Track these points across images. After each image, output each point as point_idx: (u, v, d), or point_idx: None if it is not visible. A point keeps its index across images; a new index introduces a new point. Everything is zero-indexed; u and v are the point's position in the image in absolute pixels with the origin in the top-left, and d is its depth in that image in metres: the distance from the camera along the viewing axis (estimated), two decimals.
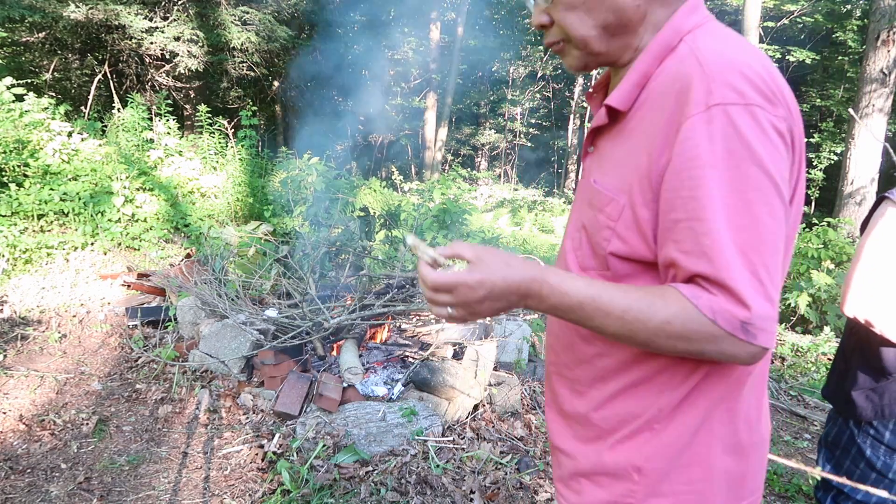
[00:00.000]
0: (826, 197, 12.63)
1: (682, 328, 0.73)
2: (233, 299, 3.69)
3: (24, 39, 8.69)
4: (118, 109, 7.59)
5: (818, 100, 15.24)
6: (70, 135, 5.49)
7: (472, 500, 2.44)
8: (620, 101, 0.85)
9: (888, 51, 8.04)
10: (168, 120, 6.93)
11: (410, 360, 3.45)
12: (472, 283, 0.78)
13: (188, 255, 5.10)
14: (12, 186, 4.71)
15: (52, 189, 4.92)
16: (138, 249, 5.08)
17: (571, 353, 0.94)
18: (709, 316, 0.72)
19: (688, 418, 0.85)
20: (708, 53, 0.78)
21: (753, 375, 0.87)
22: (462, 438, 2.91)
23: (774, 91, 0.75)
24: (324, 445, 2.62)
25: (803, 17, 14.19)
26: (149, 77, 9.29)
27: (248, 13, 8.73)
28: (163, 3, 8.50)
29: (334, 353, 3.45)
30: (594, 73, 17.79)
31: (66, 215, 4.90)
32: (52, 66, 8.81)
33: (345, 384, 3.01)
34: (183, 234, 5.59)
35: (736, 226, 0.72)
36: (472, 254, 0.80)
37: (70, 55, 9.16)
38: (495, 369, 3.56)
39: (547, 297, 0.79)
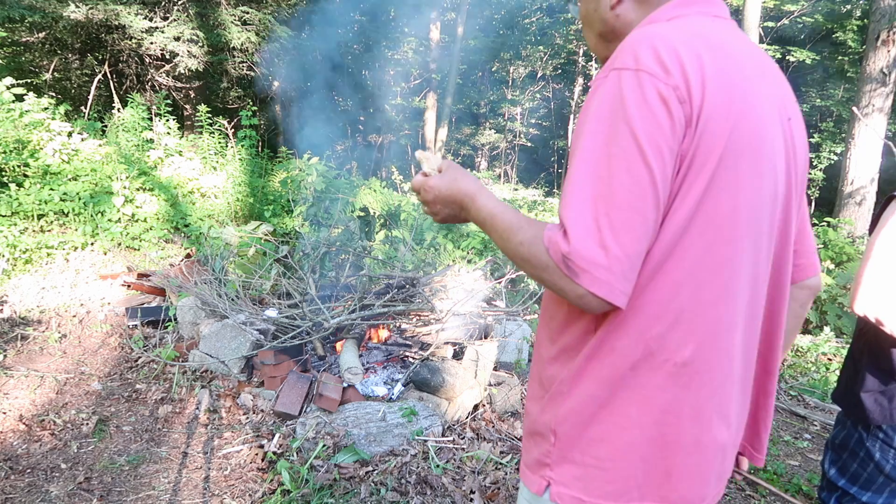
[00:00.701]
0: (826, 197, 12.62)
1: (528, 251, 0.83)
2: (233, 299, 3.69)
3: (24, 39, 8.68)
4: (118, 109, 7.59)
5: (818, 100, 15.23)
6: (70, 135, 5.49)
7: (472, 500, 2.44)
8: (594, 81, 0.94)
9: (888, 51, 8.04)
10: (168, 120, 6.93)
11: (410, 360, 3.45)
12: (426, 186, 1.02)
13: (188, 255, 5.09)
14: (12, 186, 4.71)
15: (52, 189, 4.92)
16: (138, 249, 5.08)
17: (543, 313, 1.03)
18: (545, 244, 0.81)
19: (586, 390, 0.88)
20: (640, 29, 0.86)
21: (679, 367, 0.84)
22: (462, 438, 2.91)
23: (674, 63, 0.78)
24: (324, 445, 2.62)
25: (803, 17, 14.18)
26: (149, 77, 9.29)
27: (247, 13, 8.73)
28: (163, 3, 8.50)
29: (335, 353, 3.45)
30: (594, 73, 17.79)
31: (66, 215, 4.90)
32: (52, 66, 8.81)
33: (345, 384, 3.01)
34: (183, 234, 5.59)
35: (592, 175, 0.78)
36: (444, 167, 1.03)
37: (70, 55, 9.15)
38: (495, 369, 3.56)
39: (472, 212, 0.97)
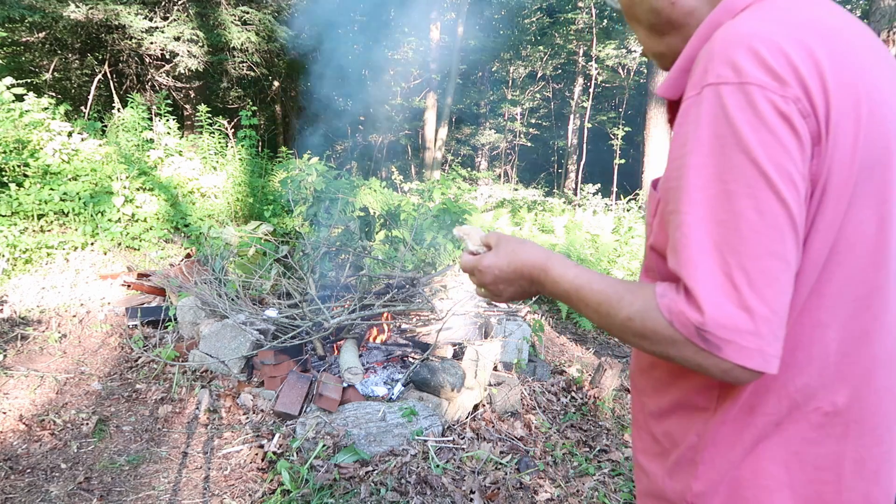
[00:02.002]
0: None
1: (641, 326, 0.70)
2: (233, 299, 3.69)
3: (24, 39, 8.69)
4: (118, 109, 7.59)
5: None
6: (70, 135, 5.49)
7: (471, 500, 2.44)
8: (666, 89, 0.80)
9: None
10: (168, 120, 6.93)
11: (410, 360, 3.45)
12: (482, 267, 0.91)
13: (188, 255, 5.10)
14: (12, 186, 4.71)
15: (52, 189, 4.92)
16: (138, 249, 5.08)
17: (636, 360, 0.91)
18: (665, 316, 0.66)
19: (725, 457, 0.76)
20: (727, 28, 0.70)
21: (829, 416, 0.73)
22: (462, 438, 2.91)
23: (787, 67, 0.64)
24: (324, 445, 2.62)
25: None
26: (149, 77, 9.29)
27: (248, 13, 8.73)
28: (163, 3, 8.50)
29: (334, 353, 3.45)
30: (594, 73, 17.79)
31: (66, 215, 4.90)
32: (52, 66, 8.82)
33: (345, 384, 3.01)
34: (183, 234, 5.59)
35: (710, 220, 0.65)
36: (493, 241, 0.92)
37: (70, 55, 9.16)
38: (495, 369, 3.56)
39: (548, 285, 0.84)
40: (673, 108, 0.85)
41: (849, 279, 0.70)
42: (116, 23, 7.91)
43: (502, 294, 0.91)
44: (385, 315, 3.73)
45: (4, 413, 2.82)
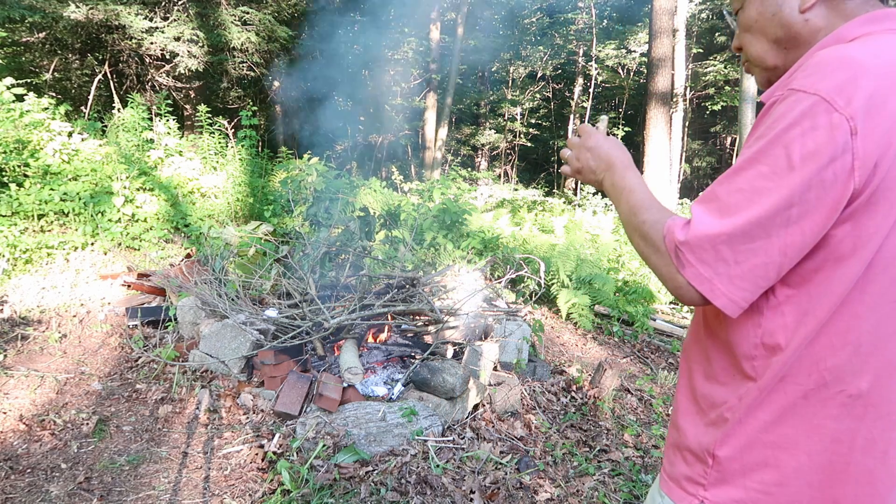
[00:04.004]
0: None
1: (648, 230, 0.90)
2: (233, 299, 3.69)
3: (24, 39, 8.69)
4: (118, 109, 7.59)
5: None
6: (70, 135, 5.49)
7: (472, 500, 2.44)
8: (767, 96, 0.90)
9: None
10: (168, 120, 6.93)
11: (410, 360, 3.45)
12: (592, 132, 1.11)
13: (188, 255, 5.10)
14: (12, 186, 4.71)
15: (52, 189, 4.92)
16: (138, 249, 5.08)
17: (692, 331, 1.05)
18: (664, 231, 0.87)
19: (758, 418, 0.88)
20: (830, 51, 0.82)
21: (853, 398, 0.84)
22: (462, 438, 2.91)
23: (857, 91, 0.74)
24: (324, 445, 2.62)
25: None
26: (149, 77, 9.29)
27: (248, 13, 8.73)
28: (163, 3, 8.50)
29: (334, 353, 3.45)
30: (594, 73, 17.78)
31: (67, 215, 4.90)
32: (52, 66, 8.81)
33: (345, 384, 3.01)
34: (183, 234, 5.59)
35: (734, 187, 0.81)
36: (599, 134, 1.12)
37: (70, 55, 9.16)
38: (495, 369, 3.56)
39: (618, 177, 1.03)
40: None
41: (890, 283, 0.81)
42: (116, 23, 7.91)
43: (580, 161, 1.11)
44: (386, 315, 3.73)
45: (4, 413, 2.82)
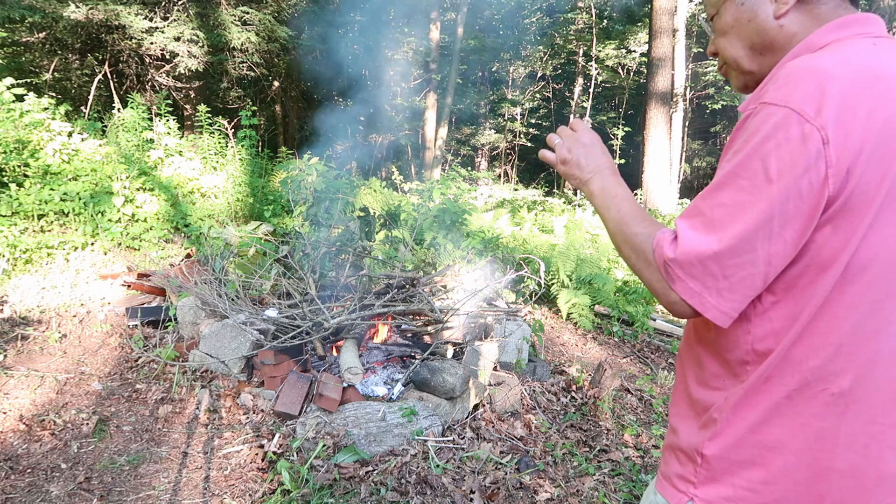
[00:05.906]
0: None
1: (638, 243, 0.92)
2: (233, 299, 3.69)
3: (24, 39, 8.69)
4: (118, 109, 7.58)
5: None
6: (70, 135, 5.48)
7: (471, 500, 2.44)
8: (744, 108, 0.91)
9: None
10: (168, 120, 6.93)
11: (410, 360, 3.45)
12: (585, 129, 1.11)
13: (188, 255, 5.10)
14: (12, 186, 4.71)
15: (52, 189, 4.92)
16: (138, 249, 5.08)
17: (686, 338, 1.07)
18: (653, 245, 0.89)
19: (744, 419, 0.91)
20: (797, 61, 0.84)
21: (835, 397, 0.86)
22: (462, 438, 2.91)
23: (828, 102, 0.76)
24: (324, 445, 2.62)
25: None
26: (149, 77, 9.29)
27: (248, 13, 8.73)
28: (163, 3, 8.50)
29: (334, 353, 3.45)
30: (594, 73, 17.78)
31: (67, 215, 4.90)
32: (52, 66, 8.81)
33: (345, 384, 3.01)
34: (183, 234, 5.59)
35: (716, 201, 0.83)
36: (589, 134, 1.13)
37: (70, 55, 9.16)
38: (495, 369, 3.56)
39: (607, 179, 1.04)
40: None
41: (870, 283, 0.82)
42: (116, 23, 7.90)
43: (571, 152, 1.09)
44: (386, 315, 3.73)
45: (4, 413, 2.82)
